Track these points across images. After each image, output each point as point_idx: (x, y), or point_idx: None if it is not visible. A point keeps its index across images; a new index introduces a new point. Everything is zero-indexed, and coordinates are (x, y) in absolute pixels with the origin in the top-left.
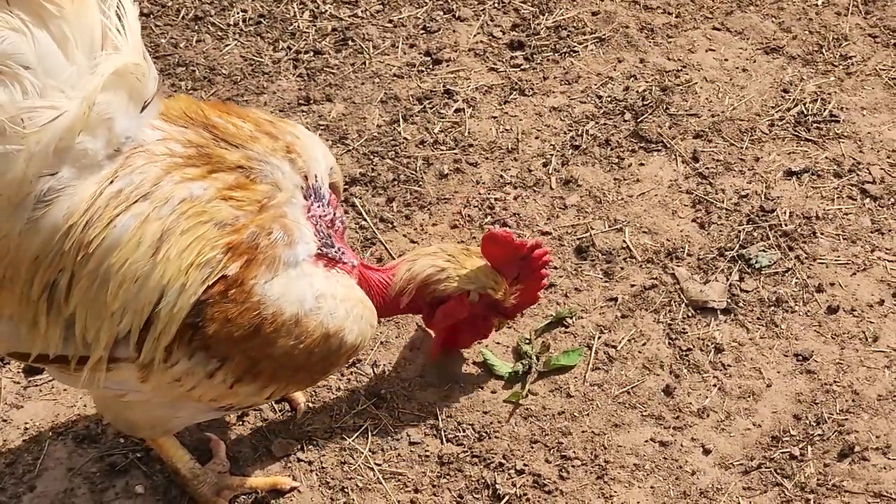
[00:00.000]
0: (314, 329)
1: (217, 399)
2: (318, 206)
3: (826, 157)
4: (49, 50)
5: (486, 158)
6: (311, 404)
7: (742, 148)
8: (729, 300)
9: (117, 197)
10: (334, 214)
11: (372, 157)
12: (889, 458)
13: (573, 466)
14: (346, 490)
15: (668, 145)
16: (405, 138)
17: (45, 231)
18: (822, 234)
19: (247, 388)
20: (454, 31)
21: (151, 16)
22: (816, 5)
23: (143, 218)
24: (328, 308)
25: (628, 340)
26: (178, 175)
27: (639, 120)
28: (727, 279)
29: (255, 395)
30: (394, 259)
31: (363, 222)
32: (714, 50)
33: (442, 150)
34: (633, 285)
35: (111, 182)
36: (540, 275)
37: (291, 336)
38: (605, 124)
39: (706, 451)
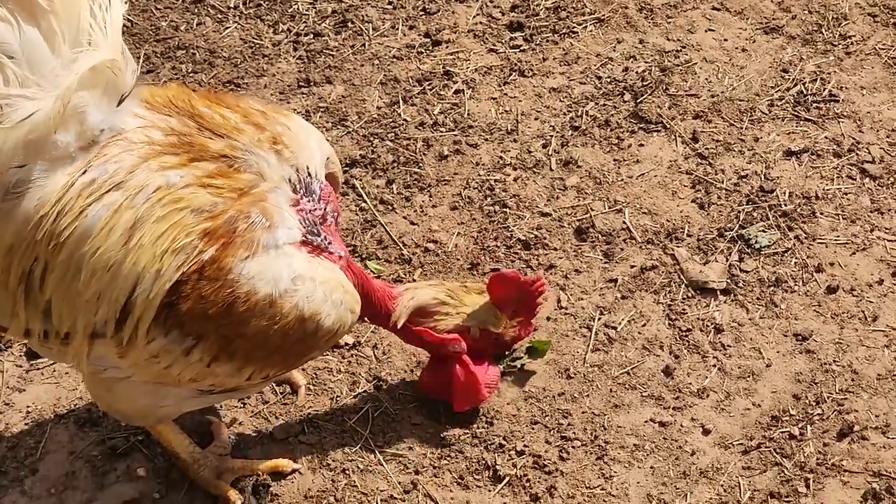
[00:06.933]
0: (289, 311)
1: (196, 379)
2: (308, 201)
3: (825, 137)
4: (35, 43)
5: (486, 140)
6: (311, 387)
7: (742, 128)
8: (729, 280)
9: (90, 187)
10: (325, 210)
11: (372, 138)
12: (888, 438)
13: (573, 447)
14: (346, 472)
15: (668, 126)
16: (405, 120)
17: (18, 221)
18: (821, 213)
19: (224, 367)
20: (453, 12)
21: None
22: None
23: (115, 207)
24: (305, 291)
25: (628, 321)
26: (156, 163)
27: (638, 101)
28: (727, 259)
29: (233, 376)
30: (395, 242)
31: (363, 204)
32: (713, 30)
33: (441, 131)
34: (632, 266)
35: (84, 172)
36: (535, 304)
37: (265, 316)
38: (604, 105)
39: (706, 432)
